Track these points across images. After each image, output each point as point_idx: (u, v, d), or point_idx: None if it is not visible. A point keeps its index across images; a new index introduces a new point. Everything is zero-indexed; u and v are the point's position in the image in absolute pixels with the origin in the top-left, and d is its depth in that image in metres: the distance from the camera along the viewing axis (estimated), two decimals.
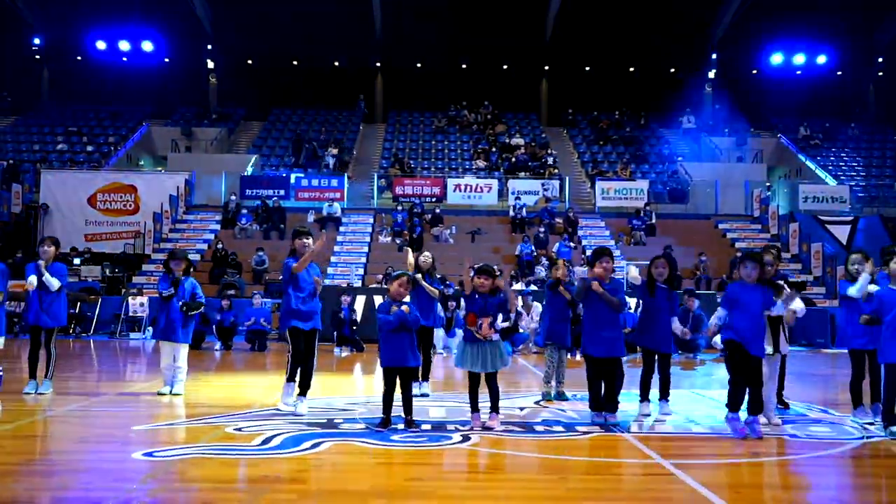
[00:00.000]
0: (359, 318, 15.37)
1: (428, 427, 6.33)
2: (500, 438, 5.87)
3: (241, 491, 4.40)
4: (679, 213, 26.78)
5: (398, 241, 23.34)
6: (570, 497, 4.33)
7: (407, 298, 6.66)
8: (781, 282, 6.89)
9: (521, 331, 14.66)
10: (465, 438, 5.84)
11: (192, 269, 8.65)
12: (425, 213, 24.71)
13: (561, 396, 8.18)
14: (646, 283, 7.32)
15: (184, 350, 8.27)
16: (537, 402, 7.94)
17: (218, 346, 14.28)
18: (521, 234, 23.46)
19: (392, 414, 6.31)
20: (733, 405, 6.16)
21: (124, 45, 34.35)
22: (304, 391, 6.99)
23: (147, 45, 34.36)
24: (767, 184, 28.30)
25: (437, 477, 4.78)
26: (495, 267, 6.53)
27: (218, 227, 24.57)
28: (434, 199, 25.85)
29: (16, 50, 34.48)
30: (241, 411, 7.00)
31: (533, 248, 22.30)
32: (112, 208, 25.26)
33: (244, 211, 24.52)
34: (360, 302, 16.21)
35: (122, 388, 8.95)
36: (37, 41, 35.25)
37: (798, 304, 7.17)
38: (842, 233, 24.82)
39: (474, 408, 6.34)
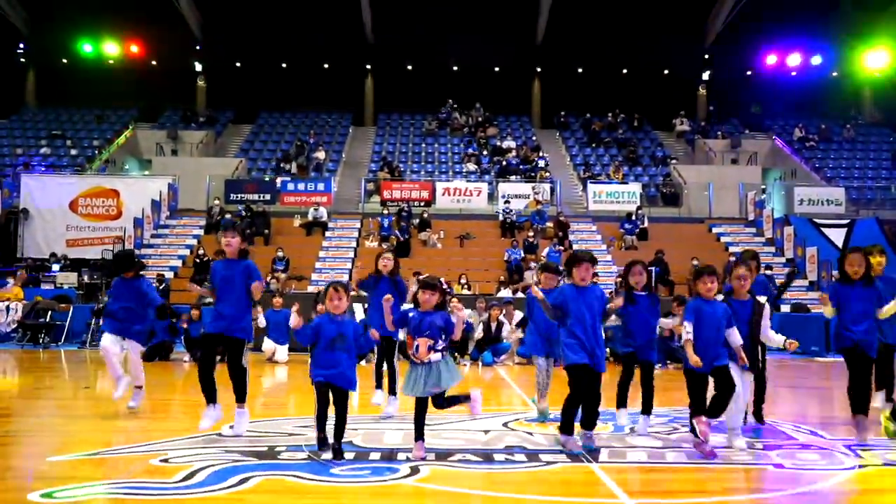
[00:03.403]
0: None
1: (377, 456, 5.77)
2: (453, 472, 5.29)
3: None
4: (672, 216, 26.26)
5: (385, 246, 22.80)
6: None
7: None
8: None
9: (503, 340, 14.11)
10: (414, 471, 5.26)
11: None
12: (413, 217, 24.16)
13: (543, 415, 7.56)
14: (624, 293, 6.84)
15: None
16: (506, 425, 7.36)
17: (187, 357, 13.71)
18: (510, 239, 22.93)
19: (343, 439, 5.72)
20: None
21: (111, 48, 33.83)
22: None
23: (134, 48, 33.85)
24: (762, 186, 27.77)
25: None
26: (442, 280, 5.90)
27: (202, 232, 24.01)
28: (422, 204, 25.32)
29: (0, 52, 33.93)
30: (179, 436, 6.44)
31: (522, 253, 21.76)
32: (94, 213, 24.75)
33: (228, 216, 23.96)
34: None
35: (64, 408, 8.37)
36: (22, 44, 34.70)
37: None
38: (838, 236, 24.27)
39: (418, 435, 5.76)
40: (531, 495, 4.76)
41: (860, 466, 5.62)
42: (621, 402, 6.91)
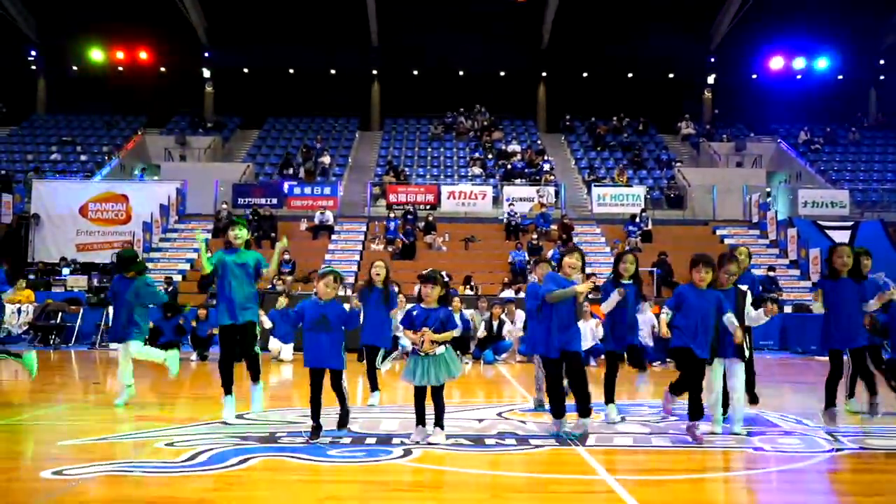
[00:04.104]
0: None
1: (372, 441, 6.01)
2: (444, 454, 5.53)
3: None
4: (676, 219, 26.45)
5: (390, 249, 23.06)
6: None
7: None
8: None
9: (504, 339, 14.33)
10: (407, 453, 5.51)
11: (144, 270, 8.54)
12: (419, 220, 24.41)
13: (541, 405, 7.77)
14: (611, 283, 7.09)
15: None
16: (500, 414, 7.59)
17: (194, 356, 13.98)
18: (515, 241, 23.14)
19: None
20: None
21: (120, 55, 34.26)
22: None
23: (142, 55, 34.27)
24: (768, 189, 27.90)
25: (355, 496, 4.44)
26: (443, 273, 6.15)
27: (210, 235, 24.25)
28: (428, 207, 25.56)
29: (11, 60, 34.48)
30: (185, 424, 6.71)
31: (526, 255, 21.96)
32: (103, 218, 25.07)
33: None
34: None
35: (74, 402, 8.63)
36: (33, 51, 35.20)
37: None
38: (842, 238, 24.31)
39: (420, 420, 6.01)
40: (515, 473, 5.01)
41: (838, 450, 5.83)
42: (609, 398, 7.03)
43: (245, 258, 6.90)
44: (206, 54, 35.36)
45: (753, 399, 7.28)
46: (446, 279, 6.13)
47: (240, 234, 6.91)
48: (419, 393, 6.00)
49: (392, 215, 24.53)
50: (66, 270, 22.14)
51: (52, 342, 16.69)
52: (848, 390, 7.75)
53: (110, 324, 8.34)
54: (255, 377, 7.00)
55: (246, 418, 6.89)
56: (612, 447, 5.94)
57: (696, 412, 5.99)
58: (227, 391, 6.85)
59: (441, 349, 5.89)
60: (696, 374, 6.02)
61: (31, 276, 20.94)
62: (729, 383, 6.42)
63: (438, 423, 5.95)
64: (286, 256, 21.16)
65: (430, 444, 5.78)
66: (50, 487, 4.48)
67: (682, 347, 6.02)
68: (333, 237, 24.15)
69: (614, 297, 6.82)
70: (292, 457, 5.34)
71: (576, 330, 6.33)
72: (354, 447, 5.74)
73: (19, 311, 17.60)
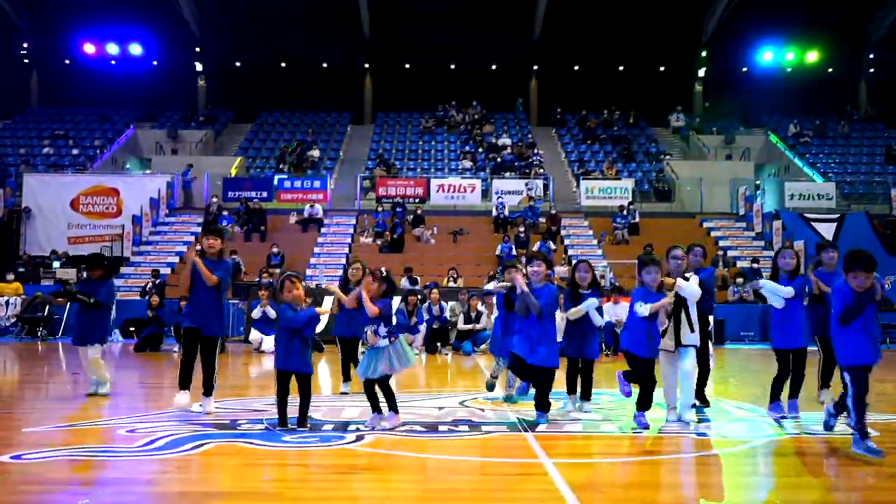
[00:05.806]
0: (324, 320, 15.20)
1: (329, 427, 6.20)
2: (395, 439, 5.72)
3: (82, 493, 4.25)
4: (664, 211, 26.61)
5: (379, 243, 23.23)
6: (420, 497, 4.20)
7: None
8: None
9: (484, 329, 14.52)
10: (359, 438, 5.70)
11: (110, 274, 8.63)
12: (408, 213, 24.56)
13: (510, 399, 7.95)
14: (570, 290, 7.24)
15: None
16: (462, 403, 7.77)
17: (176, 348, 14.18)
18: (503, 234, 23.31)
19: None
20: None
21: (113, 49, 34.32)
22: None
23: (135, 49, 34.33)
24: (756, 182, 28.05)
25: (298, 478, 4.65)
26: (384, 270, 6.43)
27: (199, 229, 24.43)
28: (417, 200, 25.72)
29: (4, 53, 34.59)
30: (151, 412, 6.89)
31: (513, 247, 22.14)
32: (95, 211, 25.18)
33: (225, 213, 24.44)
34: (326, 302, 16.07)
35: (51, 391, 8.83)
36: (25, 45, 35.32)
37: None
38: (828, 230, 24.50)
39: (375, 407, 6.20)
40: (457, 456, 5.20)
41: (779, 436, 6.01)
42: (571, 390, 7.24)
43: (218, 268, 6.93)
44: (199, 48, 35.44)
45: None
46: (385, 274, 6.38)
47: (213, 242, 6.97)
48: (368, 385, 6.20)
49: (381, 208, 24.69)
50: (56, 264, 22.31)
51: (39, 334, 16.88)
52: (821, 381, 7.69)
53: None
54: (209, 391, 6.83)
55: (193, 412, 6.96)
56: (560, 433, 6.13)
57: (642, 404, 6.15)
58: (185, 386, 6.94)
59: (384, 342, 6.08)
60: (642, 374, 6.14)
61: (21, 269, 21.09)
62: (679, 371, 6.55)
63: (392, 408, 6.15)
64: (274, 250, 21.33)
65: (383, 429, 5.97)
66: (5, 470, 4.66)
67: (628, 351, 6.26)
68: (323, 230, 24.31)
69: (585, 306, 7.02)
70: (248, 442, 5.53)
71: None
72: (310, 433, 5.92)
73: (7, 303, 17.79)
